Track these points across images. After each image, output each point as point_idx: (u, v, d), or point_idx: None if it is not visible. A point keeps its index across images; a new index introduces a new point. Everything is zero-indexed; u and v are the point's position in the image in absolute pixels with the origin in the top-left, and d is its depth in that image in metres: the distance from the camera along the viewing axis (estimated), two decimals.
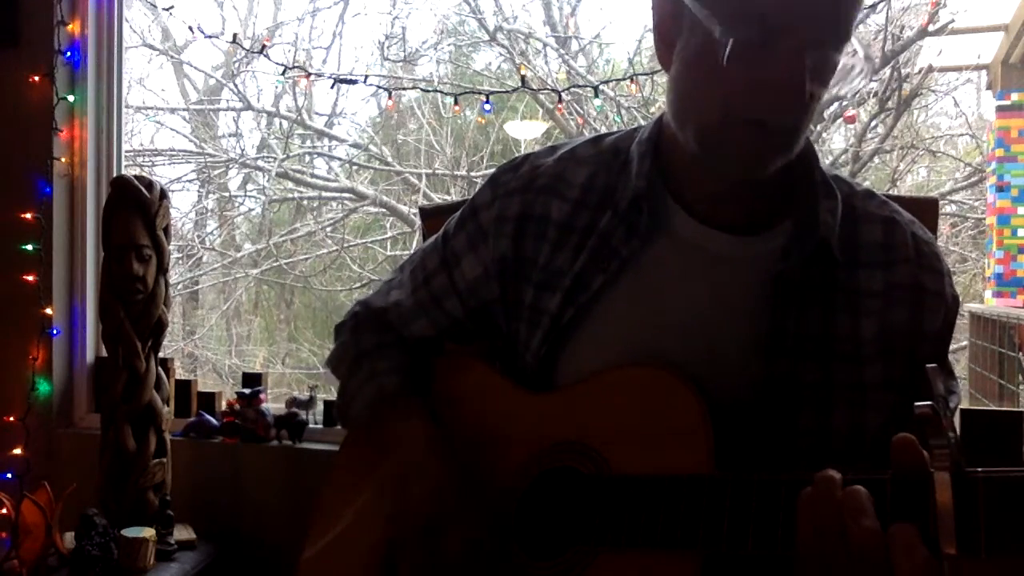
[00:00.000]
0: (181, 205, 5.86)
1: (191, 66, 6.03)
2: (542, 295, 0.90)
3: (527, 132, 5.35)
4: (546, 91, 4.83)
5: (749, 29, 0.74)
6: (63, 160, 2.10)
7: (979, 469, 0.61)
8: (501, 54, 5.49)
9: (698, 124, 0.80)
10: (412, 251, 1.08)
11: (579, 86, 4.55)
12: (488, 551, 0.83)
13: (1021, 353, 3.55)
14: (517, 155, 1.01)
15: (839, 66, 0.77)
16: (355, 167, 5.69)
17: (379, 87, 3.58)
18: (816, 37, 0.74)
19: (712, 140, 0.79)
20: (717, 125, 0.78)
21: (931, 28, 4.39)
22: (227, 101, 5.91)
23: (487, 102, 2.56)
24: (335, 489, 1.05)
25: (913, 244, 0.87)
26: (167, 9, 2.34)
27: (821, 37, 0.74)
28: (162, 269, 1.82)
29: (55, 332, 2.07)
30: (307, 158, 5.94)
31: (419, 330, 1.03)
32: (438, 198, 5.32)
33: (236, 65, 5.53)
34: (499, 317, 0.96)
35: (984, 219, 4.75)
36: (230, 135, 6.10)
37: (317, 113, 5.99)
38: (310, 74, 3.08)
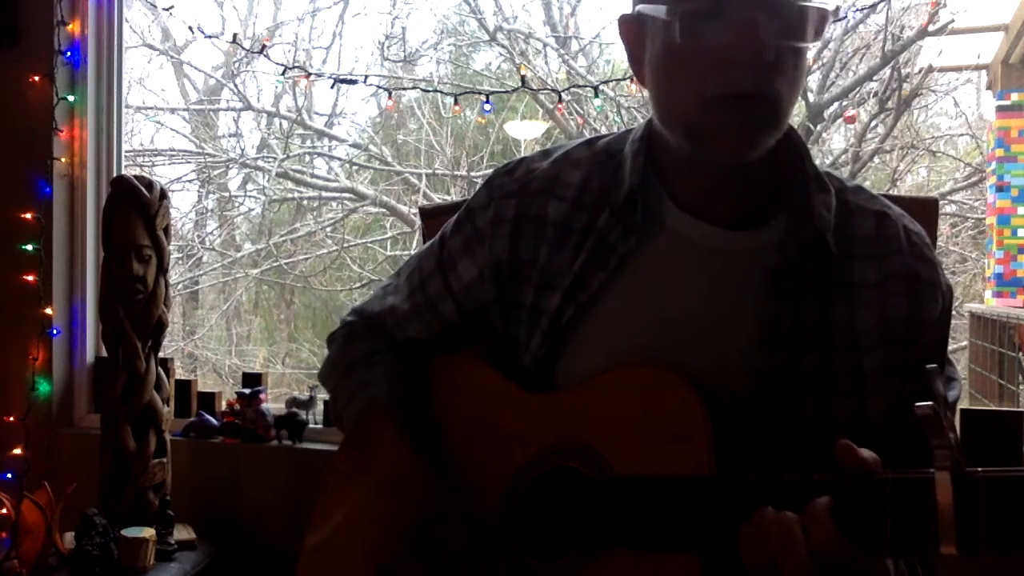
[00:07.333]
0: (181, 205, 5.87)
1: (191, 66, 6.03)
2: (542, 295, 0.90)
3: (527, 132, 5.34)
4: (546, 91, 4.83)
5: (694, 1, 0.75)
6: (63, 160, 2.10)
7: (979, 469, 0.61)
8: (501, 54, 5.49)
9: (681, 119, 0.81)
10: (411, 252, 1.08)
11: (579, 86, 4.54)
12: (484, 552, 0.83)
13: (1021, 353, 3.55)
14: (513, 158, 1.02)
15: (809, 15, 0.76)
16: (355, 167, 5.69)
17: (379, 87, 3.57)
18: None
19: (698, 130, 0.80)
20: (698, 113, 0.78)
21: (931, 28, 4.38)
22: (227, 101, 5.91)
23: (487, 102, 2.56)
24: (330, 492, 1.05)
25: (905, 236, 0.87)
26: (167, 9, 2.34)
27: None
28: (162, 269, 1.82)
29: (55, 332, 2.07)
30: (307, 158, 5.93)
31: (414, 334, 1.03)
32: (438, 198, 5.32)
33: (236, 65, 5.53)
34: (495, 319, 0.96)
35: (984, 219, 4.76)
36: (230, 135, 6.10)
37: (317, 113, 6.00)
38: (310, 74, 3.08)
